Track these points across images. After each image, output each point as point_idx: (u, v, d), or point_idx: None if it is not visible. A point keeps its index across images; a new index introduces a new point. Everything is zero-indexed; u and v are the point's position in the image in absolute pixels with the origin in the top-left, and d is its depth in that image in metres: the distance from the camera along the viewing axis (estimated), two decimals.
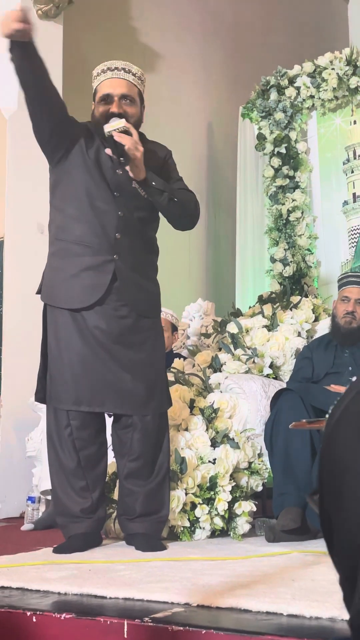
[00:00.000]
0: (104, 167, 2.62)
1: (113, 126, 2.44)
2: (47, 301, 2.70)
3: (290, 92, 5.45)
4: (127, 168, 2.50)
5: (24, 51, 2.35)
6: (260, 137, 5.58)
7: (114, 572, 2.10)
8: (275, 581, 1.91)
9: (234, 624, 1.54)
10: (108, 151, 2.50)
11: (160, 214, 2.76)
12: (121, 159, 2.44)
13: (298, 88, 5.44)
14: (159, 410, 2.70)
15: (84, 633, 1.60)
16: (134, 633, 1.55)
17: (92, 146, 2.64)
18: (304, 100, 5.45)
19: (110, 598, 1.80)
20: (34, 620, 1.66)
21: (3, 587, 1.96)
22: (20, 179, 4.36)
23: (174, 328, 4.35)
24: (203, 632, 1.47)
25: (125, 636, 1.55)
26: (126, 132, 2.46)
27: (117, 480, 2.81)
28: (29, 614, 1.67)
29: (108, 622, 1.58)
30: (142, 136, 2.68)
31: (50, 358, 2.71)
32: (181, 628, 1.50)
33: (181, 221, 2.73)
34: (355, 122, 5.39)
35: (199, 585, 1.89)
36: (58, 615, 1.64)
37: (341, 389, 3.01)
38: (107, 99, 2.62)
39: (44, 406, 3.74)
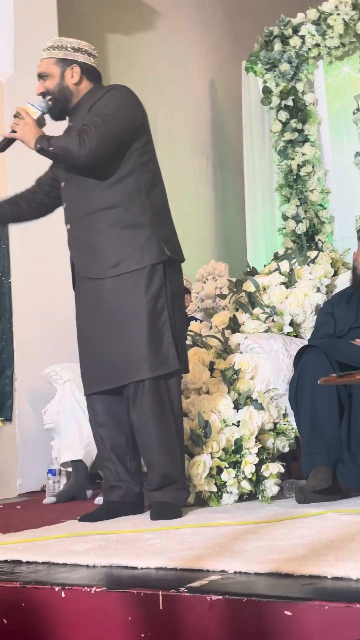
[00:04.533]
0: None
1: None
2: None
3: (294, 41, 5.26)
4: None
5: None
6: (266, 91, 5.40)
7: (143, 542, 2.01)
8: (314, 543, 1.81)
9: (277, 590, 1.45)
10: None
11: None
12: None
13: (303, 37, 5.25)
14: (143, 376, 2.51)
15: (117, 606, 1.51)
16: (170, 604, 1.45)
17: None
18: (309, 49, 5.26)
19: (142, 569, 1.71)
20: (63, 595, 1.58)
21: (29, 562, 1.88)
22: (21, 156, 4.21)
23: (187, 291, 4.23)
24: (244, 600, 1.38)
25: (161, 608, 1.46)
26: (15, 115, 2.63)
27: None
28: (57, 589, 1.58)
29: (142, 594, 1.49)
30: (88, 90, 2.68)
31: None
32: (220, 597, 1.41)
33: (69, 165, 2.58)
34: None
35: (234, 551, 1.79)
36: (88, 589, 1.55)
37: None
38: None
39: (59, 378, 3.68)
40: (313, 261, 3.70)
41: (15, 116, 2.62)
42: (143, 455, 2.62)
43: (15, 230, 4.10)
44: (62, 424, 3.59)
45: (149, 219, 2.59)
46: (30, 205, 2.83)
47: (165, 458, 2.54)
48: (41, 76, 2.69)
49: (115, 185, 2.58)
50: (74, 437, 3.52)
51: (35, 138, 2.54)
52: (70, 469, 3.54)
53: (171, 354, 2.55)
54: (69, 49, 2.67)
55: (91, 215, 2.59)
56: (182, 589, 1.46)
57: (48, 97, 2.67)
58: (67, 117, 2.72)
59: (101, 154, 2.53)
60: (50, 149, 2.52)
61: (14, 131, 2.58)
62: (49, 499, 3.42)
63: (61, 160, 2.59)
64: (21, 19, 4.23)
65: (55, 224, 4.27)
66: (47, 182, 2.83)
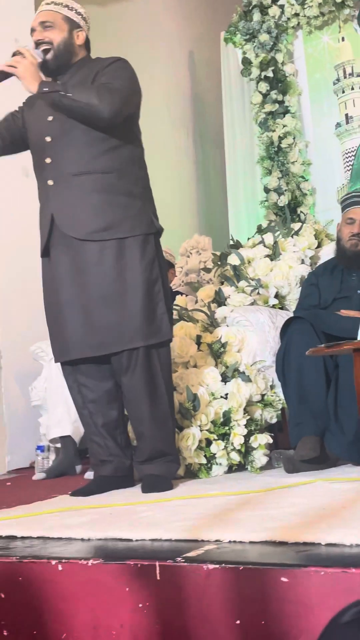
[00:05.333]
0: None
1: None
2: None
3: (273, 11, 5.21)
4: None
5: None
6: (246, 62, 5.36)
7: (136, 514, 2.03)
8: (306, 511, 1.84)
9: (272, 557, 1.47)
10: None
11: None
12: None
13: (282, 6, 5.20)
14: (138, 344, 2.48)
15: (114, 578, 1.52)
16: (167, 574, 1.47)
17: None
18: (288, 19, 5.22)
19: (137, 540, 1.72)
20: (60, 568, 1.59)
21: (23, 537, 1.89)
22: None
23: (170, 265, 4.22)
24: (241, 569, 1.40)
25: (158, 578, 1.48)
26: (15, 54, 2.50)
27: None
28: (54, 562, 1.60)
29: (139, 565, 1.50)
30: (84, 58, 2.62)
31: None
32: (217, 566, 1.43)
33: (88, 118, 2.46)
34: (343, 39, 5.17)
35: (228, 520, 1.82)
36: (85, 562, 1.56)
37: (352, 313, 2.91)
38: (32, 32, 2.63)
39: (45, 354, 3.67)
40: (297, 233, 3.70)
41: (14, 54, 2.48)
42: (134, 427, 2.60)
43: None
44: (49, 400, 3.59)
45: (141, 190, 2.58)
46: None
47: (157, 430, 2.54)
48: (44, 25, 2.56)
49: (112, 151, 2.52)
50: (61, 413, 3.52)
51: (39, 80, 2.43)
52: (59, 445, 3.55)
53: (164, 323, 2.54)
54: (78, 12, 2.63)
55: (84, 175, 2.50)
56: (179, 558, 1.48)
57: (45, 47, 2.54)
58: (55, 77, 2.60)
59: (121, 115, 2.47)
60: (69, 95, 2.41)
61: (12, 67, 2.43)
62: (38, 475, 3.42)
63: (79, 111, 2.44)
64: None
65: (36, 200, 4.24)
66: (11, 126, 2.69)
